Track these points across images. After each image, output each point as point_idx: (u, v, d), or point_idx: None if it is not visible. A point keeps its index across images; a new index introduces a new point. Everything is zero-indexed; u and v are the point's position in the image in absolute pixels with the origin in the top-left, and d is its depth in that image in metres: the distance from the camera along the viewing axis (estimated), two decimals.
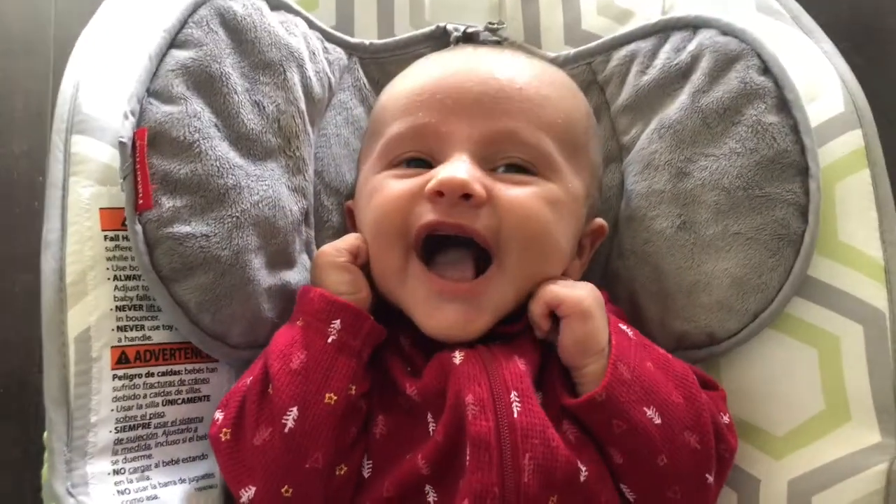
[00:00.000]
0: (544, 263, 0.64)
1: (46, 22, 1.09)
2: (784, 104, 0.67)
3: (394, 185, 0.63)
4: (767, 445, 0.67)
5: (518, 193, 0.61)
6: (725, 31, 0.70)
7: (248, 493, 0.57)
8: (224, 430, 0.59)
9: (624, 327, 0.63)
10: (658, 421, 0.58)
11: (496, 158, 0.63)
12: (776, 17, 0.74)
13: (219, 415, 0.61)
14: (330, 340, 0.59)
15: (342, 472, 0.58)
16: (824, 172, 0.67)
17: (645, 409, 0.58)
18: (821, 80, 0.70)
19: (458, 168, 0.60)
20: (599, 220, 0.71)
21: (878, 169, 0.67)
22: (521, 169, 0.63)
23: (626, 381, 0.58)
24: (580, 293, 0.61)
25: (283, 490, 0.56)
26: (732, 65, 0.69)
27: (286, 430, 0.56)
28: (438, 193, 0.59)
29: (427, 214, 0.61)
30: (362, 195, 0.68)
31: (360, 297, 0.62)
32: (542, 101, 0.64)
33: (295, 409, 0.57)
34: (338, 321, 0.59)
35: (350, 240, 0.65)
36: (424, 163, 0.64)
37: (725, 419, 0.64)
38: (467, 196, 0.59)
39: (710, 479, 0.61)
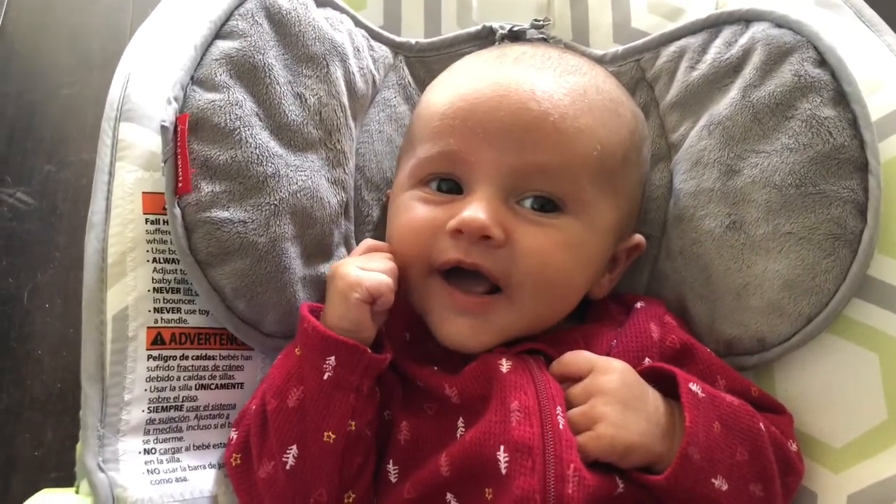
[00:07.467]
0: (556, 303, 0.64)
1: (123, 37, 1.15)
2: (842, 97, 0.64)
3: (419, 212, 0.63)
4: (825, 458, 0.63)
5: (536, 240, 0.60)
6: (780, 23, 0.67)
7: None
8: (235, 455, 0.61)
9: (694, 387, 0.58)
10: (725, 488, 0.56)
11: (523, 190, 0.62)
12: (836, 11, 0.71)
13: (233, 434, 0.62)
14: (326, 377, 0.57)
15: (351, 500, 0.59)
16: (887, 167, 0.63)
17: (713, 480, 0.56)
18: (883, 71, 0.66)
19: (480, 209, 0.59)
20: (638, 237, 0.69)
21: None
22: (548, 201, 0.62)
23: (694, 463, 0.55)
24: (607, 435, 0.56)
25: None
26: (786, 57, 0.66)
27: (287, 466, 0.57)
28: (459, 231, 0.60)
29: (449, 251, 0.61)
30: (393, 205, 0.68)
31: (362, 338, 0.59)
32: (575, 133, 0.61)
33: (294, 447, 0.57)
34: (332, 357, 0.57)
35: (378, 278, 0.59)
36: (453, 182, 0.63)
37: (794, 447, 0.61)
38: (487, 237, 0.59)
39: None
